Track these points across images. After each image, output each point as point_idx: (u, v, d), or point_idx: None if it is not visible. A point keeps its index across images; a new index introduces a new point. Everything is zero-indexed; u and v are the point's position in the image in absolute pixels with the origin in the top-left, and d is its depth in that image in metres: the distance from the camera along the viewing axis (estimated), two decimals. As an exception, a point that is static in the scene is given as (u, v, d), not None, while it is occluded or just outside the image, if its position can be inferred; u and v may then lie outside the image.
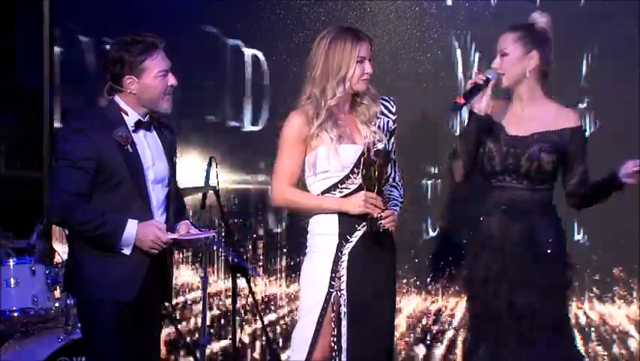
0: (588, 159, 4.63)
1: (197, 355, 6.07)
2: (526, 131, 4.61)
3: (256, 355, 6.62)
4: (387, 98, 4.68)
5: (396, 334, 6.16)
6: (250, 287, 6.13)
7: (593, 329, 6.24)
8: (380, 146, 4.51)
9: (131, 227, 4.31)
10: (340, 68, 4.46)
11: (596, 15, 6.27)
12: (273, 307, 6.59)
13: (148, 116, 4.47)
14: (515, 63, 4.59)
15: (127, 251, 4.34)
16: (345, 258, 4.48)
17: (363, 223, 4.47)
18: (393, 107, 4.67)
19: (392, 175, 4.63)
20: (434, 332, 6.41)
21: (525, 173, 4.58)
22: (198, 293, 6.56)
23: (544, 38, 4.58)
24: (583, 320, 6.21)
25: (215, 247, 6.37)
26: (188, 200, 6.32)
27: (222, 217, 6.11)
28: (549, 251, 4.53)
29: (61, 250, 6.08)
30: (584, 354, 4.74)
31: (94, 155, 4.30)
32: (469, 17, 6.39)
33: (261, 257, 6.60)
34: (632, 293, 6.23)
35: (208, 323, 6.30)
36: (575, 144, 4.59)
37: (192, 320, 6.65)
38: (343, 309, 4.46)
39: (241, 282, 6.32)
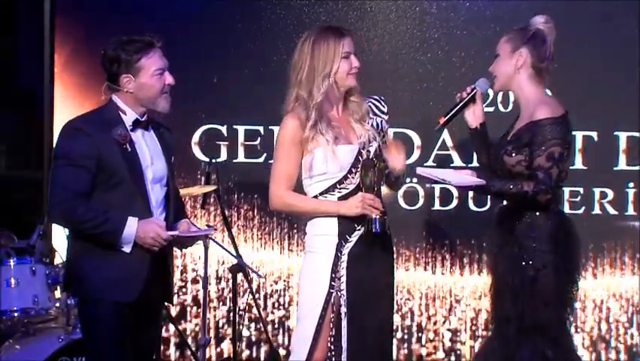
0: (545, 152, 4.45)
1: (198, 355, 6.06)
2: (515, 130, 4.62)
3: (256, 355, 6.62)
4: (377, 98, 4.67)
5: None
6: (250, 287, 6.14)
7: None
8: (375, 145, 4.52)
9: (132, 225, 4.31)
10: (326, 66, 4.46)
11: (596, 15, 6.28)
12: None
13: (146, 115, 4.47)
14: (504, 62, 4.59)
15: (127, 249, 4.34)
16: (344, 258, 4.47)
17: (362, 223, 4.47)
18: (384, 106, 4.67)
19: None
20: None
21: (503, 174, 4.57)
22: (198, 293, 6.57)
23: (536, 37, 4.57)
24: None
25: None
26: (188, 200, 6.34)
27: (223, 218, 6.11)
28: (524, 255, 4.50)
29: (62, 251, 6.08)
30: (579, 356, 4.71)
31: (94, 153, 4.30)
32: (469, 17, 6.39)
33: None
34: None
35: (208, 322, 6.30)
36: (532, 137, 4.49)
37: (193, 320, 6.65)
38: (343, 309, 4.46)
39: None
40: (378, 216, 4.41)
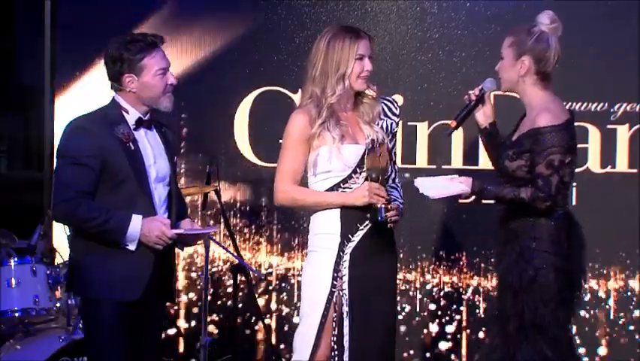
0: (545, 161, 4.45)
1: (199, 355, 6.06)
2: (517, 135, 4.62)
3: (257, 355, 6.62)
4: (390, 100, 4.68)
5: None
6: (251, 287, 6.14)
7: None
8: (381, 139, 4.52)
9: (136, 222, 4.31)
10: (339, 66, 4.46)
11: (596, 15, 6.28)
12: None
13: (148, 114, 4.47)
14: (508, 68, 4.58)
15: (132, 247, 4.34)
16: (347, 257, 4.47)
17: (366, 223, 4.46)
18: (396, 108, 4.67)
19: (392, 176, 4.64)
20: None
21: (505, 177, 4.58)
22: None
23: (540, 41, 4.56)
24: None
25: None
26: (189, 200, 6.34)
27: (223, 217, 6.11)
28: (525, 254, 4.50)
29: (62, 250, 6.08)
30: (578, 356, 4.72)
31: (97, 153, 4.31)
32: (470, 17, 6.40)
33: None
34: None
35: (209, 322, 6.31)
36: (532, 144, 4.50)
37: (193, 320, 6.65)
38: (345, 309, 4.45)
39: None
40: (383, 205, 4.41)
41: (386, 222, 4.44)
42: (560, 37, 4.61)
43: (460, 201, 6.34)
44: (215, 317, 6.62)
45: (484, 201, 6.18)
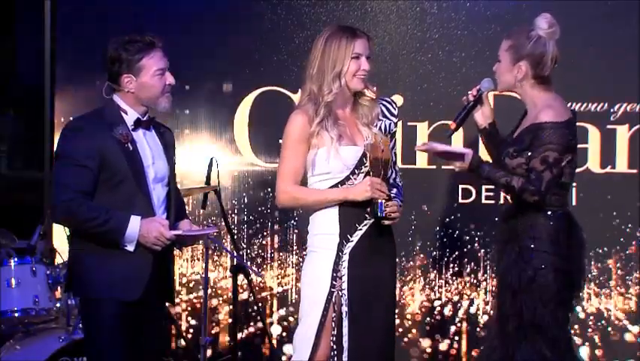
0: (539, 157, 4.45)
1: (199, 355, 6.07)
2: (518, 131, 4.62)
3: (257, 355, 6.62)
4: (389, 100, 4.68)
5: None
6: (251, 287, 6.14)
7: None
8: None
9: (134, 223, 4.31)
10: (335, 64, 4.46)
11: (596, 15, 6.29)
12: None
13: (147, 115, 4.48)
14: (505, 72, 4.59)
15: (130, 248, 4.34)
16: (346, 257, 4.46)
17: (365, 223, 4.47)
18: (395, 109, 4.67)
19: (392, 176, 4.64)
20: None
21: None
22: (199, 293, 6.58)
23: (537, 46, 4.55)
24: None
25: (215, 246, 6.38)
26: (189, 200, 6.35)
27: (223, 217, 6.11)
28: (524, 254, 4.51)
29: (62, 251, 6.08)
30: (577, 356, 4.72)
31: (96, 153, 4.31)
32: (470, 17, 6.40)
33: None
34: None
35: (209, 322, 6.31)
36: (532, 139, 4.50)
37: (193, 320, 6.65)
38: (345, 309, 4.45)
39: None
40: (383, 200, 4.41)
41: (386, 217, 4.44)
42: (559, 37, 4.61)
43: (461, 201, 6.38)
44: (215, 316, 6.62)
45: (485, 201, 6.28)
